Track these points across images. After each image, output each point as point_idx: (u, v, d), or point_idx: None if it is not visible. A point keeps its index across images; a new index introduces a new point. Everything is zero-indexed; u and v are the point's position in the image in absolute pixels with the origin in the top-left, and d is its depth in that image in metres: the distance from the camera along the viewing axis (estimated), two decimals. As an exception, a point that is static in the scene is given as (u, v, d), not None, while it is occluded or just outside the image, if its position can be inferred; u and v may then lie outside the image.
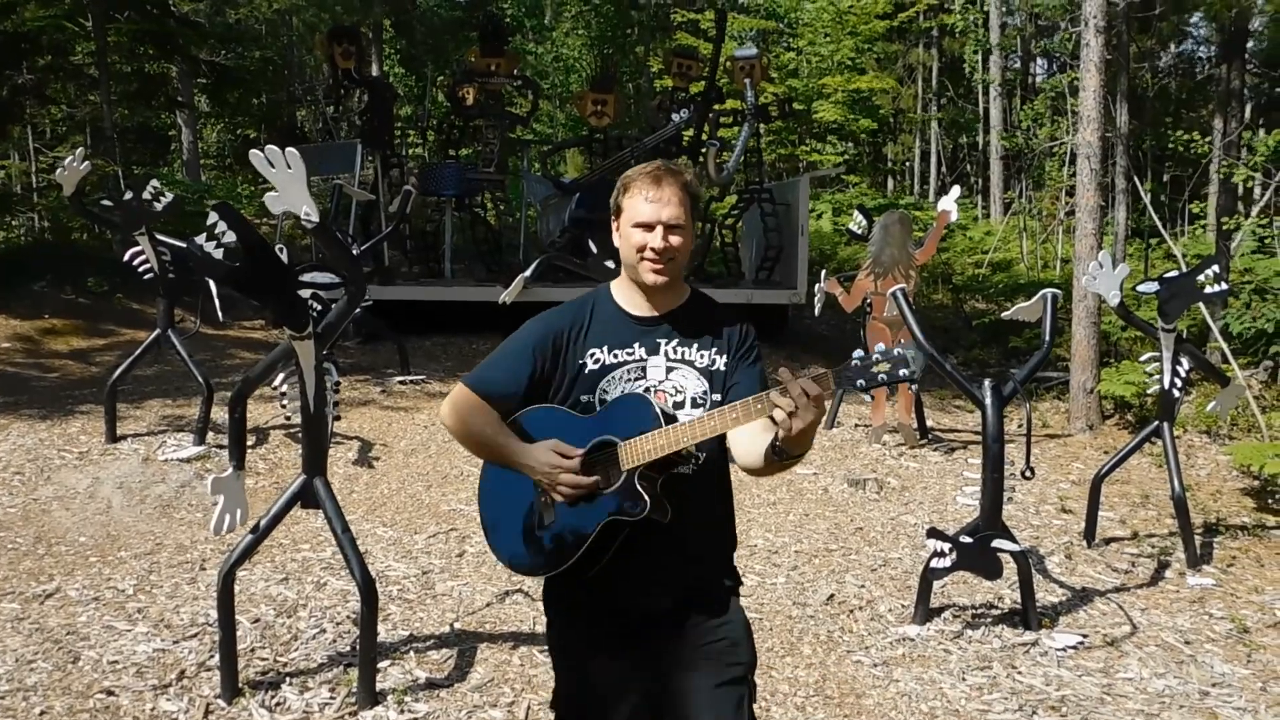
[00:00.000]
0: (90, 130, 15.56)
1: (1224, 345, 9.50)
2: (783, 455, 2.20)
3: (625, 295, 2.48)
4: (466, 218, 12.04)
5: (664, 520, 2.30)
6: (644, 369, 2.41)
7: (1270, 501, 6.89)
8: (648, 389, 2.39)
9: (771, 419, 2.12)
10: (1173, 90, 23.71)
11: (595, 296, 2.51)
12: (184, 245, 6.09)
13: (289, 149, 3.14)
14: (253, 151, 3.21)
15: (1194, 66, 25.65)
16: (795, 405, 2.06)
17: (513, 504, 2.45)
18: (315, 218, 3.25)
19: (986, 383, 4.84)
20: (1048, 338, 5.09)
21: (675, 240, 2.35)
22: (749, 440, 2.29)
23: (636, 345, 2.42)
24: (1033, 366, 5.09)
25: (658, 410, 2.30)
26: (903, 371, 2.08)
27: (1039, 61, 27.99)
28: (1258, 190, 17.59)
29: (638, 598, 2.42)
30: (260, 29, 23.99)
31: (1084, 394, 8.87)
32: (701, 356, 2.43)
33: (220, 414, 6.39)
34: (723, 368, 2.42)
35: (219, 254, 3.31)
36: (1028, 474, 4.53)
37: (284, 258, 3.59)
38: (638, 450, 2.27)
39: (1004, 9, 23.77)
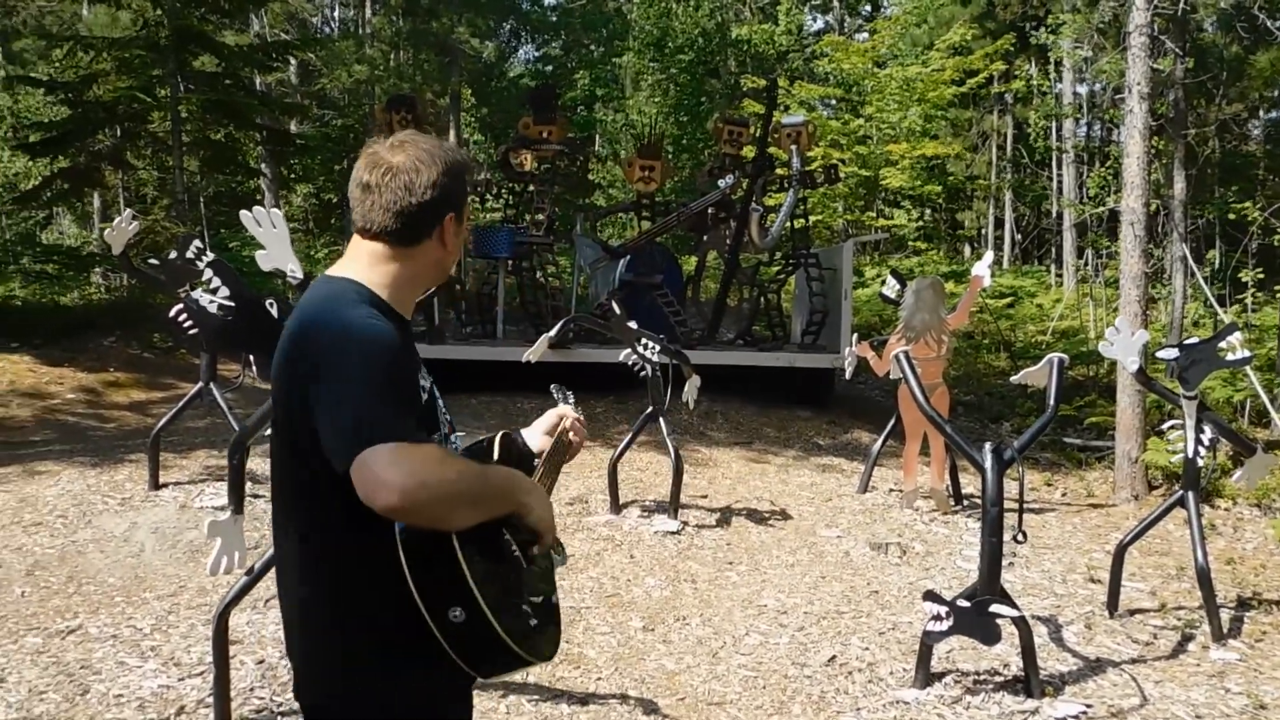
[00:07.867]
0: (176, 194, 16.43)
1: (1278, 417, 9.28)
2: None
3: (404, 299, 1.93)
4: (521, 280, 12.31)
5: None
6: (435, 396, 1.95)
7: (1311, 577, 6.69)
8: (449, 421, 1.99)
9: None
10: (1258, 157, 23.26)
11: (371, 297, 1.87)
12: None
13: (273, 209, 3.34)
14: (242, 212, 3.43)
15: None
16: None
17: (507, 574, 1.83)
18: (300, 274, 3.43)
19: (987, 446, 4.85)
20: (1052, 402, 5.06)
21: None
22: None
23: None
24: (1035, 431, 5.05)
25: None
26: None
27: (1121, 129, 27.68)
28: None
29: None
30: (342, 98, 25.02)
31: (1128, 463, 8.69)
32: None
33: (258, 464, 6.59)
34: None
35: (213, 308, 3.51)
36: (1020, 539, 4.50)
37: (274, 312, 3.78)
38: None
39: (1076, 77, 23.70)
